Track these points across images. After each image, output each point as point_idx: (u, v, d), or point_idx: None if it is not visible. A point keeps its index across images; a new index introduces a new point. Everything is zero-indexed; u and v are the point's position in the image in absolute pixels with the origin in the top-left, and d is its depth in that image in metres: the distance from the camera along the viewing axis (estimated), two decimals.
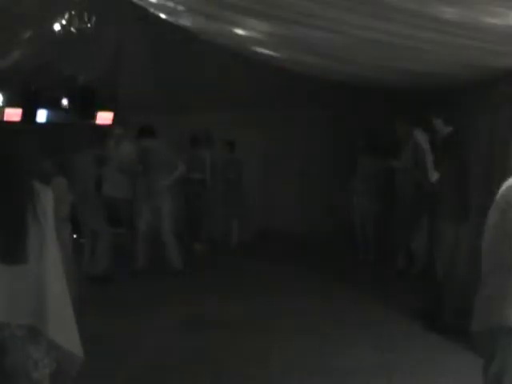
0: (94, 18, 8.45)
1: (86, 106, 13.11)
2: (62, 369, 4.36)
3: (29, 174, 4.22)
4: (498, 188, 3.99)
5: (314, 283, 10.04)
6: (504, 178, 4.04)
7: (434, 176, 7.96)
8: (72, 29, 8.36)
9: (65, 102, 12.99)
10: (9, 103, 12.21)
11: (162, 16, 9.55)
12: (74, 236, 9.21)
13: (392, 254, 10.84)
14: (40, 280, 4.11)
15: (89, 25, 8.35)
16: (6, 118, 12.30)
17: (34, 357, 4.14)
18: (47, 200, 4.22)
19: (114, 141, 10.84)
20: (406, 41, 6.15)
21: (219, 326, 7.81)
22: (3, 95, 11.99)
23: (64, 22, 8.28)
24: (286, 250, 12.85)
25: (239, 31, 8.54)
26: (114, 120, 13.60)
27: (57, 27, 8.34)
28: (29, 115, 12.47)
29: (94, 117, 13.32)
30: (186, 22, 9.29)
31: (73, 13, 8.37)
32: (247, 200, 13.37)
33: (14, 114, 12.43)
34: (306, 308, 8.66)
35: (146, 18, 9.89)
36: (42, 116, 12.79)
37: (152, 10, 9.37)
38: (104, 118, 13.49)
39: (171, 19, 9.49)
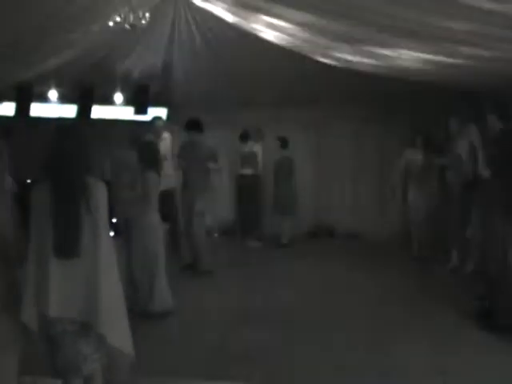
0: (148, 15, 8.46)
1: (140, 102, 13.22)
2: (115, 363, 4.43)
3: (81, 169, 4.26)
4: None
5: (366, 281, 9.98)
6: None
7: (487, 172, 7.86)
8: (126, 25, 8.40)
9: (119, 98, 13.11)
10: (64, 99, 12.36)
11: (217, 14, 9.58)
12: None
13: (446, 251, 10.73)
14: (93, 275, 4.13)
15: (143, 21, 8.37)
16: (61, 115, 12.46)
17: (84, 352, 4.19)
18: (100, 195, 4.25)
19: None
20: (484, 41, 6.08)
21: (268, 322, 7.87)
22: (58, 92, 12.13)
23: (119, 18, 8.32)
24: (337, 248, 12.81)
25: (294, 28, 8.52)
26: (167, 116, 13.71)
27: (111, 24, 8.39)
28: (83, 111, 12.62)
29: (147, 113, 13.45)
30: (240, 20, 9.31)
31: (127, 9, 8.39)
32: (299, 198, 13.35)
33: (69, 110, 12.60)
34: (357, 307, 8.62)
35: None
36: (96, 112, 12.94)
37: (204, 6, 9.40)
38: (157, 114, 13.57)
39: (225, 17, 9.51)
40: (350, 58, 9.21)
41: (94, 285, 4.12)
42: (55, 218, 4.13)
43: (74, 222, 4.14)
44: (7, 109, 11.94)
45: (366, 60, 9.04)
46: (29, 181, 11.65)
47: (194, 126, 10.56)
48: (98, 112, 13.01)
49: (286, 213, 13.16)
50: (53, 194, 4.17)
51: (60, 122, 11.93)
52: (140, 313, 7.81)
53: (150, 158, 8.15)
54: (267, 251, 12.58)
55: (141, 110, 13.30)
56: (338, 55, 9.34)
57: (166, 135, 10.97)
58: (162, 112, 13.71)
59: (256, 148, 13.30)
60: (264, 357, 6.68)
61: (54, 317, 4.12)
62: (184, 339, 7.29)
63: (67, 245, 4.12)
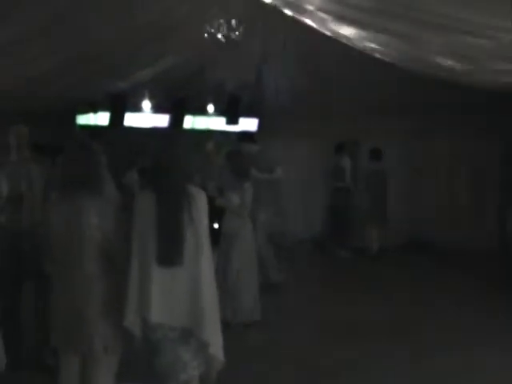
0: (242, 26, 8.44)
1: (232, 112, 13.24)
2: (209, 371, 4.41)
3: (184, 178, 4.30)
4: None
5: (460, 296, 9.69)
6: None
7: None
8: (220, 36, 8.39)
9: (211, 108, 13.16)
10: (156, 110, 12.48)
11: (310, 25, 9.46)
12: None
13: None
14: (195, 283, 4.17)
15: (237, 32, 8.36)
16: (153, 124, 12.58)
17: (183, 359, 4.22)
18: (202, 204, 4.28)
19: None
20: None
21: (356, 336, 7.78)
22: (151, 102, 12.26)
23: (213, 30, 8.33)
24: (428, 262, 12.53)
25: (383, 36, 8.32)
26: (259, 126, 13.71)
27: (205, 35, 8.40)
28: (176, 121, 12.71)
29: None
30: (331, 28, 9.17)
31: (221, 21, 8.39)
32: (392, 210, 13.14)
33: (161, 120, 12.71)
34: (454, 321, 8.42)
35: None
36: (188, 122, 13.01)
37: (297, 17, 9.30)
38: (248, 124, 13.59)
39: (319, 28, 9.39)
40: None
41: (196, 293, 4.18)
42: (158, 226, 4.20)
43: (176, 230, 4.19)
44: (102, 118, 12.11)
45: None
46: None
47: (248, 136, 10.54)
48: (190, 122, 13.07)
49: (377, 225, 13.06)
50: (156, 203, 4.23)
51: (158, 131, 12.08)
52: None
53: (244, 168, 8.16)
54: (356, 263, 12.57)
55: (232, 120, 13.32)
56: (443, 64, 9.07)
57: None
58: (253, 122, 13.71)
59: (349, 159, 13.16)
60: (352, 371, 6.61)
61: (154, 322, 4.19)
62: (270, 351, 7.27)
63: (170, 253, 4.18)
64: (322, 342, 7.57)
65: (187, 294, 4.18)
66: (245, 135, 10.82)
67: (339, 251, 13.15)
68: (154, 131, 12.08)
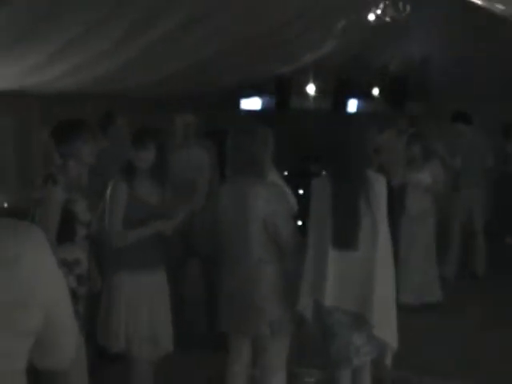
0: (408, 7, 8.26)
1: (396, 95, 12.98)
2: (383, 357, 4.40)
3: (362, 162, 4.30)
4: None
5: None
6: None
7: None
8: (387, 18, 8.27)
9: (375, 91, 12.95)
10: (320, 92, 12.45)
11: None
12: None
13: None
14: (369, 268, 4.17)
15: (403, 14, 8.19)
16: (316, 107, 12.55)
17: (356, 343, 4.22)
18: (381, 189, 4.25)
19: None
20: None
21: None
22: (315, 85, 12.23)
23: (379, 11, 8.21)
24: None
25: None
26: (425, 109, 13.37)
27: (371, 17, 8.30)
28: (339, 104, 12.62)
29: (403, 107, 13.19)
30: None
31: (387, 2, 8.26)
32: None
33: (324, 103, 12.65)
34: None
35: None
36: (352, 105, 12.88)
37: None
38: (412, 107, 13.29)
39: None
40: None
41: (369, 278, 4.17)
42: (334, 211, 4.22)
43: (353, 215, 4.19)
44: (267, 102, 12.21)
45: None
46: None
47: (460, 117, 9.96)
48: (354, 105, 12.93)
49: None
50: (332, 188, 4.25)
51: (326, 114, 12.04)
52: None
53: (428, 148, 8.17)
54: None
55: (397, 103, 13.04)
56: None
57: None
58: (417, 106, 13.38)
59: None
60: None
61: (329, 306, 4.22)
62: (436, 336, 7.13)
63: (346, 237, 4.19)
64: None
65: (360, 279, 4.18)
66: (460, 115, 9.93)
67: (507, 238, 12.64)
68: (321, 114, 12.00)
